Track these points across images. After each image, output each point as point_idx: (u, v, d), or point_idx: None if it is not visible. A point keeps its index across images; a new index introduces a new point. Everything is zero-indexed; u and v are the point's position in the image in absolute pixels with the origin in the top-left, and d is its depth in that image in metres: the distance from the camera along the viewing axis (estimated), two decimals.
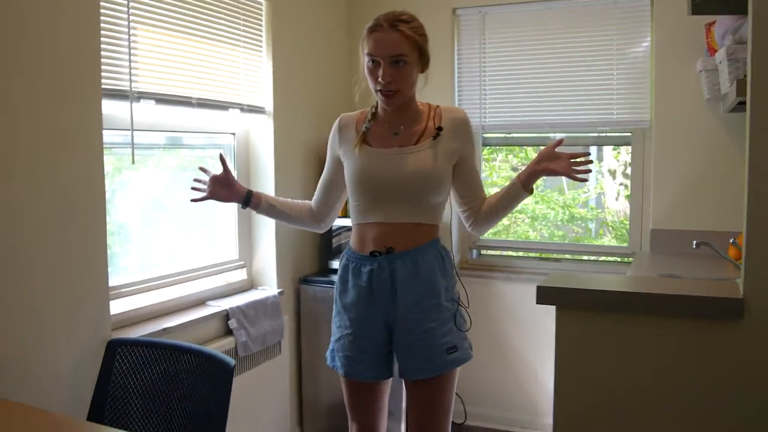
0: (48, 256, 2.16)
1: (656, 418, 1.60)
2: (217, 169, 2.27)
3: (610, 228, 4.14)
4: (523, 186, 2.09)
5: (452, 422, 3.62)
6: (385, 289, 2.07)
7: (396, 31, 1.97)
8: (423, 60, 2.07)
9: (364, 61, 2.03)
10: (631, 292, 1.59)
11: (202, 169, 2.29)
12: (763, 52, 1.46)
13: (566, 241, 4.05)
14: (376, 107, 2.16)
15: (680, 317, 1.55)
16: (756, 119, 1.47)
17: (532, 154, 4.03)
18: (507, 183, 2.15)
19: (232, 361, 1.88)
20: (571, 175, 2.03)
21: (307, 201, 2.36)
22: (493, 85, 3.65)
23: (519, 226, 4.17)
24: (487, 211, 2.16)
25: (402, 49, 1.97)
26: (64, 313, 2.22)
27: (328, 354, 2.23)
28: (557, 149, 2.06)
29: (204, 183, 2.27)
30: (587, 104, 3.46)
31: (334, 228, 3.60)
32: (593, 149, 3.94)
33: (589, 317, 1.63)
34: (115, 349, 2.07)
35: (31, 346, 2.11)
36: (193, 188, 2.29)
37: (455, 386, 2.16)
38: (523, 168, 2.13)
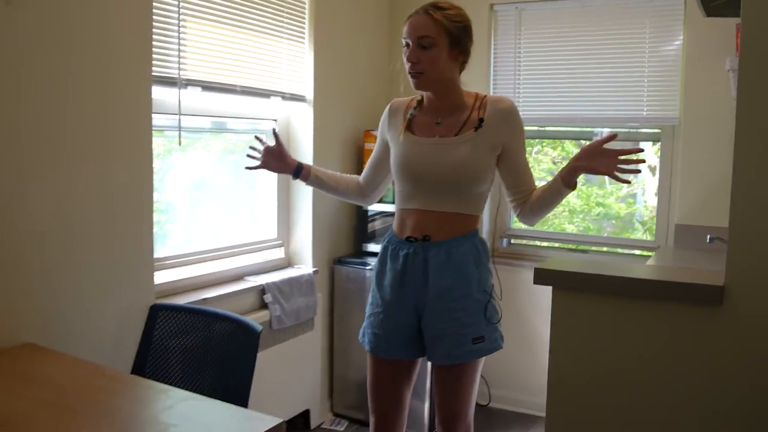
0: (100, 228, 2.39)
1: (642, 395, 1.72)
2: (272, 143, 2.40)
3: (642, 224, 4.21)
4: (563, 182, 2.05)
5: (477, 404, 3.78)
6: (418, 275, 2.11)
7: (426, 14, 2.03)
8: (457, 48, 2.07)
9: (403, 45, 2.09)
10: (618, 277, 1.70)
11: (258, 138, 2.39)
12: (751, 46, 1.57)
13: (596, 234, 4.13)
14: (424, 96, 2.19)
15: (665, 301, 1.66)
16: (743, 114, 1.58)
17: (570, 147, 4.12)
18: (550, 178, 2.14)
19: (259, 326, 2.06)
20: (614, 175, 1.97)
21: (354, 176, 2.45)
22: (528, 80, 3.77)
23: (557, 218, 4.27)
24: (532, 204, 2.15)
25: (428, 31, 2.01)
26: (113, 279, 2.45)
27: (361, 330, 2.30)
28: (607, 145, 1.99)
29: (258, 152, 2.38)
30: (618, 100, 3.54)
31: (370, 212, 3.77)
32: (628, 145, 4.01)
33: (581, 298, 1.75)
34: (156, 313, 2.29)
35: (85, 307, 2.35)
36: (248, 156, 2.40)
37: (479, 373, 2.21)
38: (566, 162, 2.10)
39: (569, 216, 4.29)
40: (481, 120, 2.09)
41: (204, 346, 2.21)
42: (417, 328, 2.16)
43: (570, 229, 4.22)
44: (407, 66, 2.07)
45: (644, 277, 1.70)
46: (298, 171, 2.37)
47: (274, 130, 2.42)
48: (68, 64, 2.25)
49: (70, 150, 2.28)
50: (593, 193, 4.24)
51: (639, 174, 2.01)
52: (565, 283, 1.75)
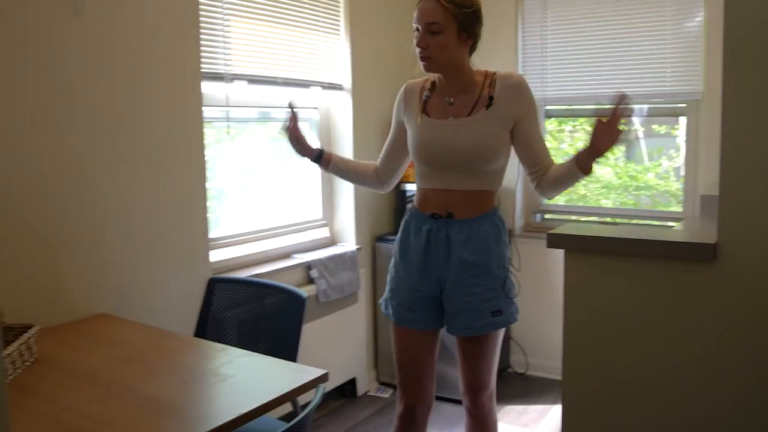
0: (160, 211, 2.68)
1: (647, 348, 1.91)
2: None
3: (675, 196, 4.32)
4: (579, 167, 2.07)
5: (515, 371, 3.97)
6: (441, 250, 2.18)
7: (435, 1, 2.05)
8: (466, 32, 2.10)
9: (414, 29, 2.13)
10: (619, 238, 1.88)
11: (290, 105, 2.39)
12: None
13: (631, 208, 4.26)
14: (436, 77, 2.22)
15: (663, 259, 1.84)
16: (728, 77, 1.74)
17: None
18: (566, 163, 2.13)
19: (304, 293, 2.31)
20: (618, 141, 2.00)
21: (372, 162, 2.47)
22: (554, 59, 3.92)
23: (593, 193, 4.39)
24: (548, 181, 2.18)
25: (436, 17, 2.04)
26: (174, 257, 2.74)
27: (382, 301, 2.36)
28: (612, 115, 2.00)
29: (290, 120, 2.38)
30: (642, 76, 3.67)
31: (408, 193, 3.97)
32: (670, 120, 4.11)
33: (590, 259, 1.94)
34: (213, 285, 2.55)
35: (150, 282, 2.64)
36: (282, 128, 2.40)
37: (500, 343, 2.30)
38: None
39: (606, 192, 4.42)
40: (491, 98, 2.13)
41: (256, 313, 2.47)
42: (439, 299, 2.24)
43: (606, 203, 4.35)
44: (417, 51, 2.11)
45: (643, 237, 1.88)
46: (319, 157, 2.40)
47: (290, 104, 2.39)
48: (127, 65, 2.53)
49: (134, 142, 2.57)
50: (631, 169, 4.36)
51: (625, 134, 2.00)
52: (574, 246, 1.94)
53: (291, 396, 1.76)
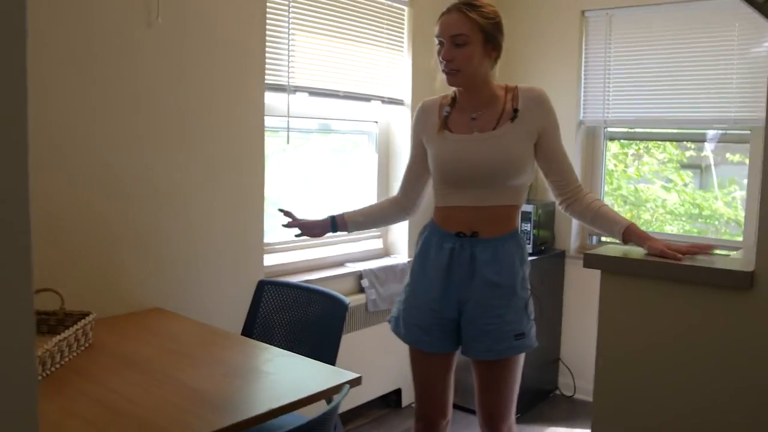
0: (219, 214, 2.81)
1: (679, 373, 1.90)
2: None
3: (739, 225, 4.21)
4: (621, 237, 2.07)
5: (562, 394, 3.95)
6: (464, 269, 2.11)
7: (459, 12, 2.03)
8: (490, 44, 2.07)
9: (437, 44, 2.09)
10: (655, 261, 1.88)
11: (280, 210, 2.42)
12: None
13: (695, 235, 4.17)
14: (456, 93, 2.18)
15: (699, 285, 1.83)
16: None
17: (671, 149, 4.14)
18: (619, 217, 2.11)
19: (347, 300, 2.39)
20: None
21: (387, 198, 2.48)
22: (617, 83, 3.90)
23: (657, 220, 4.33)
24: (586, 213, 2.15)
25: (461, 29, 2.01)
26: (229, 259, 2.86)
27: (392, 319, 2.28)
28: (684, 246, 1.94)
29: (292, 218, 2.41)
30: (707, 102, 3.61)
31: None
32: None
33: (625, 281, 1.95)
34: (263, 287, 2.66)
35: (205, 281, 2.77)
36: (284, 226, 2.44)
37: (520, 370, 2.20)
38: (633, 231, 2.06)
39: (672, 218, 4.34)
40: (515, 110, 2.09)
41: (301, 316, 2.56)
42: (457, 321, 2.17)
43: (671, 230, 4.26)
44: (442, 64, 2.07)
45: (680, 262, 1.87)
46: (334, 226, 2.37)
47: (280, 210, 2.42)
48: (195, 75, 2.68)
49: (198, 148, 2.71)
50: (699, 196, 4.28)
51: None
52: (610, 267, 1.95)
53: (322, 396, 1.83)
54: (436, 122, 2.17)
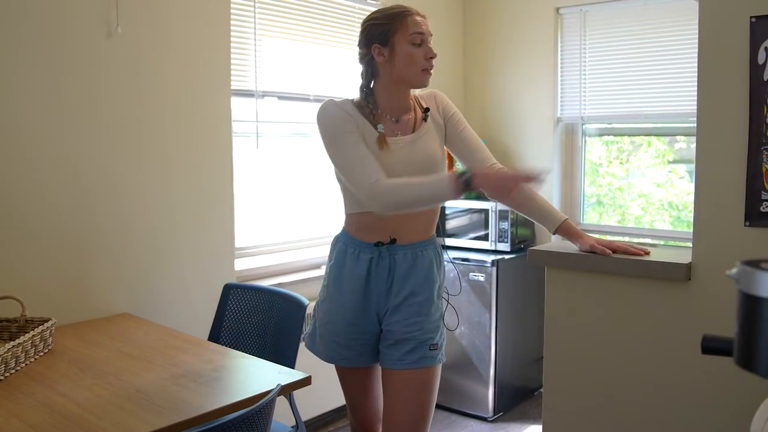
0: (187, 218, 2.85)
1: (622, 363, 1.91)
2: None
3: None
4: (555, 231, 2.04)
5: None
6: (383, 279, 2.04)
7: (424, 18, 2.05)
8: None
9: (407, 41, 1.98)
10: (598, 256, 1.90)
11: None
12: None
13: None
14: (368, 101, 2.05)
15: (641, 278, 1.85)
16: (701, 113, 1.75)
17: (658, 144, 4.10)
18: (556, 210, 2.08)
19: (306, 301, 2.41)
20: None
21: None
22: (593, 79, 3.91)
23: (648, 214, 4.29)
24: (521, 203, 2.10)
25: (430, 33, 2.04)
26: (199, 264, 2.90)
27: (307, 337, 2.22)
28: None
29: None
30: (681, 96, 3.61)
31: (448, 212, 4.02)
32: None
33: (570, 276, 1.97)
34: (229, 291, 2.69)
35: (174, 287, 2.81)
36: None
37: (435, 388, 2.07)
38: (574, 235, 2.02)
39: (660, 214, 4.31)
40: (426, 109, 2.09)
41: (265, 319, 2.59)
42: (378, 335, 2.09)
43: (661, 225, 4.20)
44: (425, 63, 2.00)
45: (621, 256, 1.88)
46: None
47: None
48: (158, 82, 2.72)
49: (163, 153, 2.75)
50: (683, 191, 4.24)
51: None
52: (554, 262, 1.97)
53: (262, 397, 1.84)
54: (366, 127, 2.00)
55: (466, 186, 1.80)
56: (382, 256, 2.03)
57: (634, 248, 1.92)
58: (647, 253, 1.89)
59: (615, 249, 1.92)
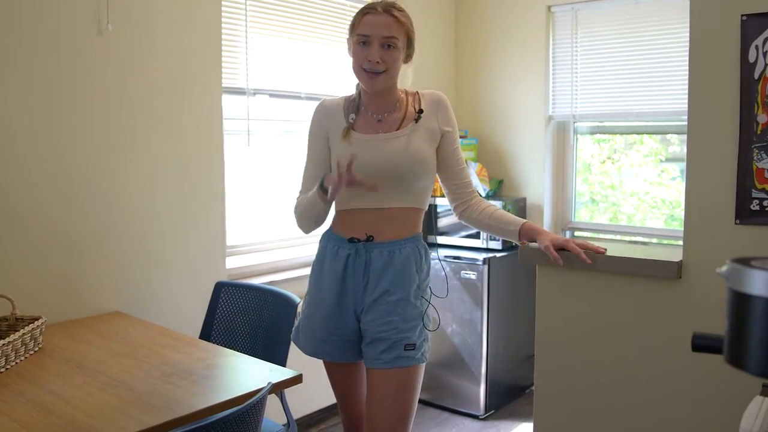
0: (179, 216, 2.84)
1: (613, 361, 1.92)
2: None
3: None
4: (519, 236, 2.06)
5: None
6: (359, 276, 2.03)
7: (390, 15, 1.99)
8: (409, 50, 2.06)
9: (355, 40, 2.01)
10: (592, 253, 1.90)
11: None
12: None
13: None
14: (359, 96, 2.10)
15: (633, 276, 1.85)
16: (692, 118, 1.75)
17: (649, 141, 4.12)
18: (514, 218, 2.09)
19: (297, 299, 2.41)
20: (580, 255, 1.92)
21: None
22: (584, 77, 3.91)
23: (641, 213, 4.31)
24: (479, 218, 2.12)
25: (393, 32, 1.98)
26: (190, 262, 2.89)
27: (294, 332, 2.22)
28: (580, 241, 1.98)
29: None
30: (672, 94, 3.62)
31: (439, 207, 4.02)
32: None
33: (561, 273, 1.97)
34: (220, 289, 2.68)
35: (166, 285, 2.81)
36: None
37: (418, 389, 2.05)
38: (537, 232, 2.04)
39: (658, 212, 4.32)
40: (420, 111, 2.07)
41: (257, 317, 2.59)
42: (358, 331, 2.08)
43: (656, 225, 4.20)
44: (363, 62, 1.99)
45: (612, 254, 1.89)
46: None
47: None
48: (149, 80, 2.70)
49: (154, 151, 2.74)
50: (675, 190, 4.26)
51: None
52: (545, 260, 1.97)
53: (253, 395, 1.84)
54: (342, 123, 2.07)
55: (323, 191, 1.94)
56: (359, 253, 2.03)
57: (592, 248, 1.92)
58: (604, 252, 1.89)
59: (569, 249, 1.92)
